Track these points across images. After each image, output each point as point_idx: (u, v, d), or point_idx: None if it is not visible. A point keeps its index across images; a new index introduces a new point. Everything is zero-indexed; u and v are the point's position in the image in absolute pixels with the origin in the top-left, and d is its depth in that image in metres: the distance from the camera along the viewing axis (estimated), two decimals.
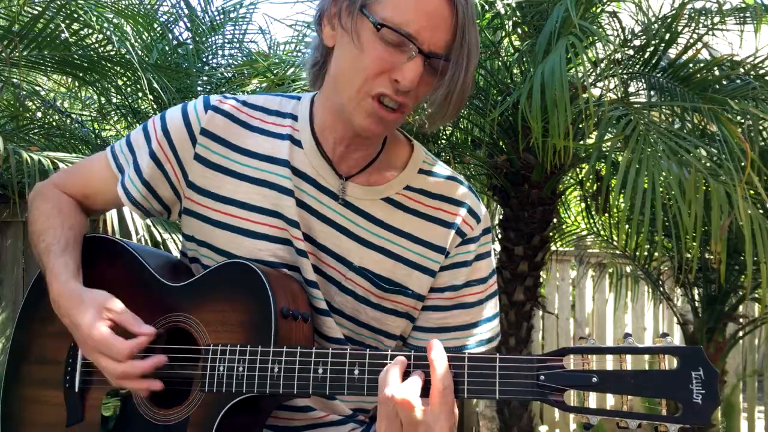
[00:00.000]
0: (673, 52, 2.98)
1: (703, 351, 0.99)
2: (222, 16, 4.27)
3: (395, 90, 1.17)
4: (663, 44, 2.91)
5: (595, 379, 1.01)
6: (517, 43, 3.37)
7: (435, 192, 1.35)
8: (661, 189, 2.28)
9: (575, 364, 1.03)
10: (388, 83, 1.17)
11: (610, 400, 3.06)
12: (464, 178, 1.43)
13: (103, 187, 1.42)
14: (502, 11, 2.98)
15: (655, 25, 2.96)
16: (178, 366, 1.24)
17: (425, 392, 1.05)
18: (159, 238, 3.01)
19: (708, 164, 2.38)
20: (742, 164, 2.36)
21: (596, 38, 2.59)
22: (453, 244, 1.33)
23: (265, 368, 1.15)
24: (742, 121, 2.63)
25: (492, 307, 1.39)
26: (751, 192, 2.34)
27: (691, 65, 2.87)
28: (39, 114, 4.27)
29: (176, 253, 3.03)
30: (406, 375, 1.07)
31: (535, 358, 1.05)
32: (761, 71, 2.87)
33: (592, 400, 1.03)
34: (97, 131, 4.45)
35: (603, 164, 3.32)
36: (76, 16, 3.17)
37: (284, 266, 1.30)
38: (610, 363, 1.03)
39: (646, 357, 1.04)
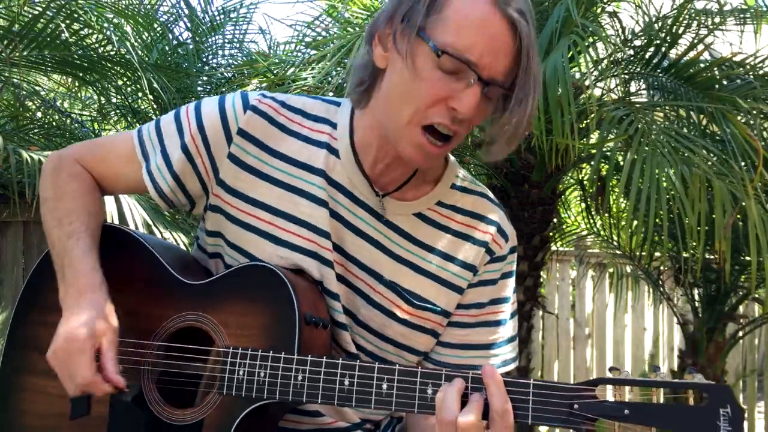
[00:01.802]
0: (673, 53, 2.98)
1: (731, 389, 1.02)
2: (222, 16, 4.28)
3: (452, 119, 1.13)
4: (665, 44, 2.91)
5: (627, 411, 1.03)
6: None
7: (467, 209, 1.33)
8: (670, 189, 2.27)
9: (607, 395, 1.05)
10: (444, 112, 1.13)
11: None
12: (493, 195, 1.40)
13: (125, 171, 1.37)
14: None
15: (657, 25, 2.96)
16: (195, 366, 1.22)
17: (483, 415, 1.05)
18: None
19: (710, 163, 2.39)
20: (754, 163, 2.36)
21: (597, 38, 2.59)
22: (482, 262, 1.32)
23: (288, 375, 1.14)
24: (743, 120, 2.63)
25: (513, 327, 1.38)
26: (753, 191, 2.34)
27: (693, 65, 2.87)
28: (39, 114, 4.27)
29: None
30: (463, 397, 1.07)
31: (569, 387, 1.06)
32: (761, 71, 2.87)
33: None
34: (97, 131, 4.45)
35: (605, 164, 3.32)
36: (76, 16, 3.17)
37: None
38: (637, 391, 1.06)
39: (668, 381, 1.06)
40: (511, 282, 1.37)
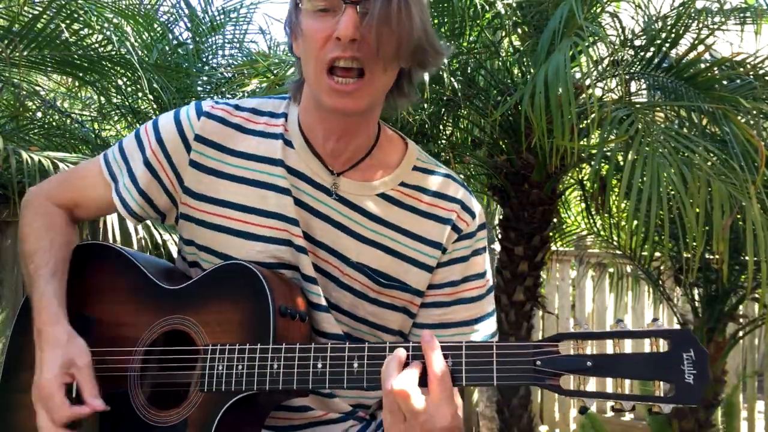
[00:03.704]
0: (674, 53, 2.99)
1: (692, 332, 1.02)
2: (222, 16, 4.27)
3: (342, 48, 1.17)
4: (665, 45, 2.92)
5: (589, 363, 1.04)
6: (517, 43, 3.37)
7: (429, 189, 1.36)
8: (669, 191, 2.28)
9: (570, 350, 1.06)
10: (334, 45, 1.18)
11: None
12: (461, 177, 1.44)
13: (95, 195, 1.43)
14: (502, 11, 2.98)
15: (657, 24, 2.97)
16: (177, 368, 1.24)
17: (424, 382, 1.07)
18: (159, 240, 3.01)
19: (710, 164, 2.39)
20: (755, 164, 2.36)
21: (597, 38, 2.60)
22: (449, 240, 1.35)
23: (264, 365, 1.16)
24: (744, 120, 2.63)
25: (490, 302, 1.41)
26: (756, 192, 2.34)
27: (693, 65, 2.87)
28: (39, 114, 4.26)
29: (176, 254, 3.03)
30: (406, 367, 1.09)
31: (531, 345, 1.08)
32: (761, 71, 2.88)
33: (589, 385, 1.06)
34: (97, 131, 4.45)
35: (605, 164, 3.32)
36: (76, 16, 3.16)
37: (282, 266, 1.31)
38: (604, 349, 1.06)
39: (639, 341, 1.07)
40: (483, 259, 1.39)
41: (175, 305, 1.28)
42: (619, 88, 2.98)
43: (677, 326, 4.10)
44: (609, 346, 1.06)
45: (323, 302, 1.31)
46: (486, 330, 1.38)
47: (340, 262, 1.32)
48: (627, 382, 1.04)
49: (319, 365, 1.14)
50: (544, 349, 1.06)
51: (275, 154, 1.33)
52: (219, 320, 1.23)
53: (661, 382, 1.01)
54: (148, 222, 2.94)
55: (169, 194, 1.36)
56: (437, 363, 1.07)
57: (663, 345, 1.02)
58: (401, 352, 1.10)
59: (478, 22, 3.11)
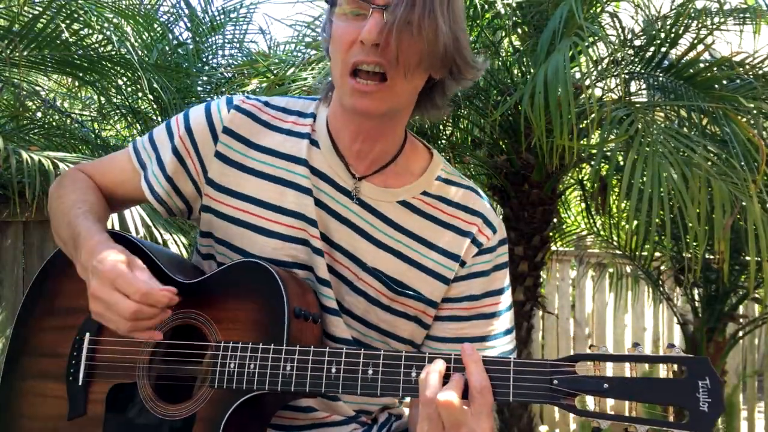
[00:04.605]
0: (673, 53, 2.99)
1: (710, 361, 1.03)
2: (222, 16, 4.28)
3: (366, 52, 1.16)
4: (665, 45, 2.92)
5: (606, 385, 1.04)
6: (517, 43, 3.38)
7: (452, 200, 1.36)
8: (670, 190, 2.28)
9: (586, 371, 1.06)
10: (358, 49, 1.17)
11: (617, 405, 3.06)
12: (478, 186, 1.42)
13: (124, 181, 1.43)
14: (502, 11, 2.99)
15: (657, 24, 2.97)
16: (187, 362, 1.24)
17: (464, 394, 1.07)
18: (159, 239, 3.01)
19: (710, 163, 2.39)
20: (756, 163, 2.36)
21: (597, 38, 2.60)
22: (469, 254, 1.33)
23: (277, 366, 1.16)
24: (744, 120, 2.63)
25: (508, 319, 1.38)
26: (756, 191, 2.34)
27: (693, 65, 2.88)
28: (39, 114, 4.26)
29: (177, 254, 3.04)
30: (445, 377, 1.09)
31: (549, 363, 1.08)
32: (761, 71, 2.88)
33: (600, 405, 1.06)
34: (97, 131, 4.45)
35: (605, 164, 3.32)
36: (76, 16, 3.17)
37: (296, 265, 1.31)
38: (617, 369, 1.06)
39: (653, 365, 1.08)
40: (505, 274, 1.38)
41: (189, 300, 1.26)
42: (619, 88, 2.98)
43: (677, 326, 4.12)
44: (610, 367, 1.06)
45: (334, 305, 1.30)
46: (503, 347, 1.36)
47: (355, 266, 1.31)
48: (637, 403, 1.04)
49: (333, 370, 1.14)
50: (561, 369, 1.06)
51: (300, 153, 1.33)
52: (232, 317, 1.23)
53: (675, 408, 1.02)
54: (149, 221, 2.94)
55: (194, 183, 1.36)
56: (479, 376, 1.07)
57: (679, 371, 1.03)
58: (442, 363, 1.09)
59: (478, 22, 3.12)
